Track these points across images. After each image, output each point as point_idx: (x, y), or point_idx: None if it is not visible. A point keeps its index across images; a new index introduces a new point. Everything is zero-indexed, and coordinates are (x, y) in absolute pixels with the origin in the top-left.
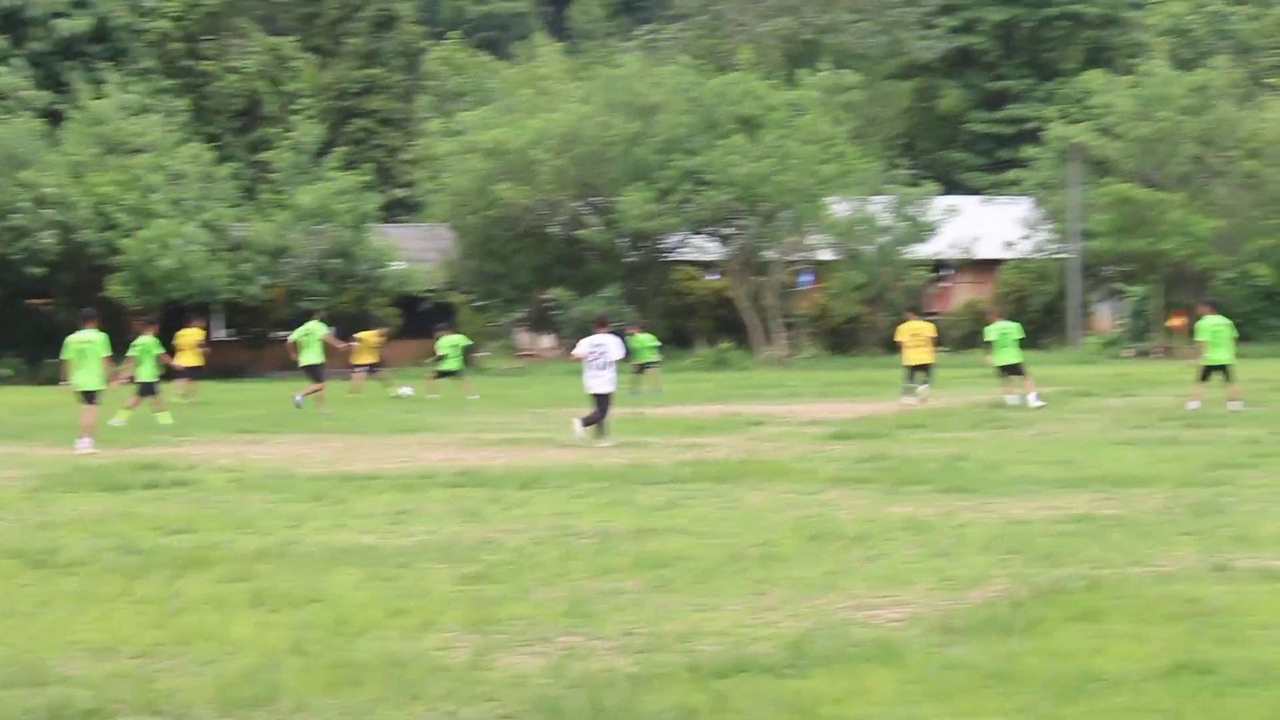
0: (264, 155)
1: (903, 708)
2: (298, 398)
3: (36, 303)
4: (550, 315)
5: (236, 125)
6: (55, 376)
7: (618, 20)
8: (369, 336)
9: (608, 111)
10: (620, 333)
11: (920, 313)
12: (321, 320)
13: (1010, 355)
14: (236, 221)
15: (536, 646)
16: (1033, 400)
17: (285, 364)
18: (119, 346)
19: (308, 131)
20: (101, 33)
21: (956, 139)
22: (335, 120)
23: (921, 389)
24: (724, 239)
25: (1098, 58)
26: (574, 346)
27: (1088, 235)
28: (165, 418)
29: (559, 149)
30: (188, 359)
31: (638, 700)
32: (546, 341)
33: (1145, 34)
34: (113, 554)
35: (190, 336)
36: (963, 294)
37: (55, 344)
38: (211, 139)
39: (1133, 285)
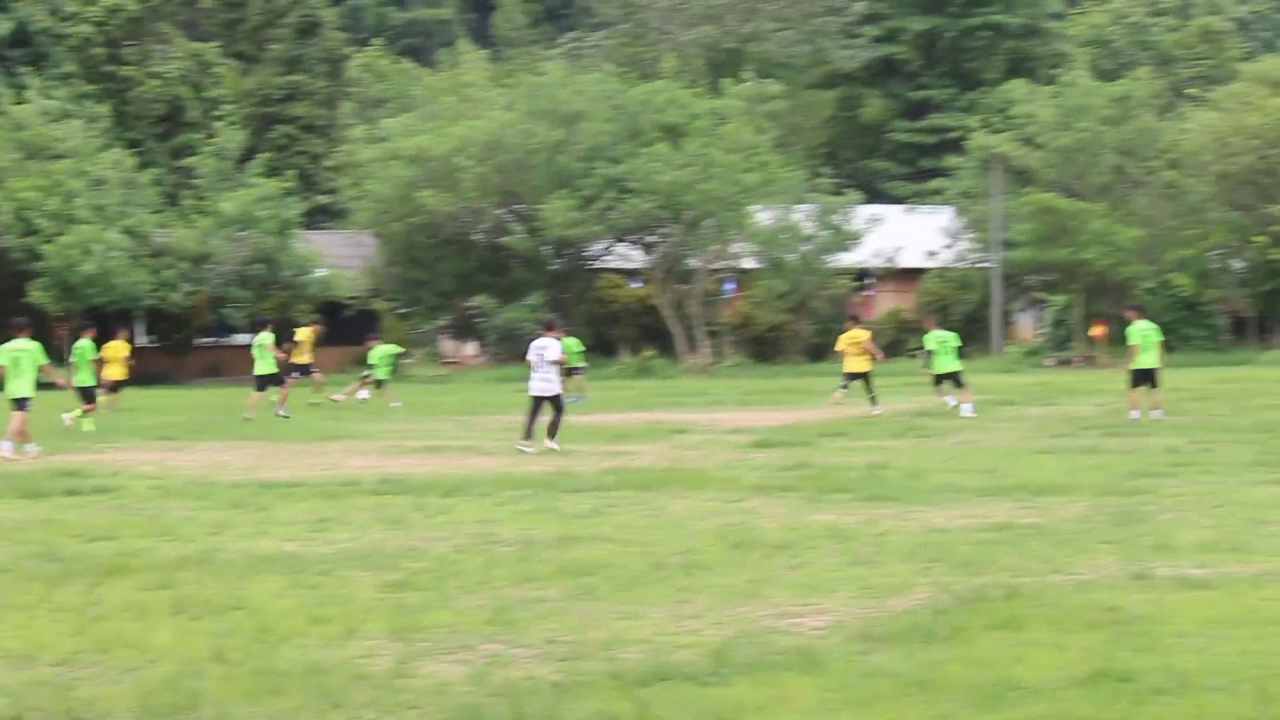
0: (186, 161)
1: (824, 715)
2: (280, 411)
3: None
4: (474, 322)
5: (159, 131)
6: None
7: (541, 28)
8: (306, 334)
9: (531, 119)
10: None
11: (860, 321)
12: (271, 330)
13: (950, 363)
14: (159, 228)
15: (459, 654)
16: (966, 410)
17: (207, 371)
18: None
19: (230, 138)
20: (22, 37)
21: (879, 148)
22: (258, 126)
23: (838, 393)
24: (648, 247)
25: (1019, 68)
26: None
27: (1009, 245)
28: (89, 423)
29: (482, 156)
30: (115, 372)
31: (560, 708)
32: (470, 349)
33: (1066, 45)
34: (33, 561)
35: (117, 349)
36: (886, 303)
37: None
38: (133, 145)
39: (1054, 295)
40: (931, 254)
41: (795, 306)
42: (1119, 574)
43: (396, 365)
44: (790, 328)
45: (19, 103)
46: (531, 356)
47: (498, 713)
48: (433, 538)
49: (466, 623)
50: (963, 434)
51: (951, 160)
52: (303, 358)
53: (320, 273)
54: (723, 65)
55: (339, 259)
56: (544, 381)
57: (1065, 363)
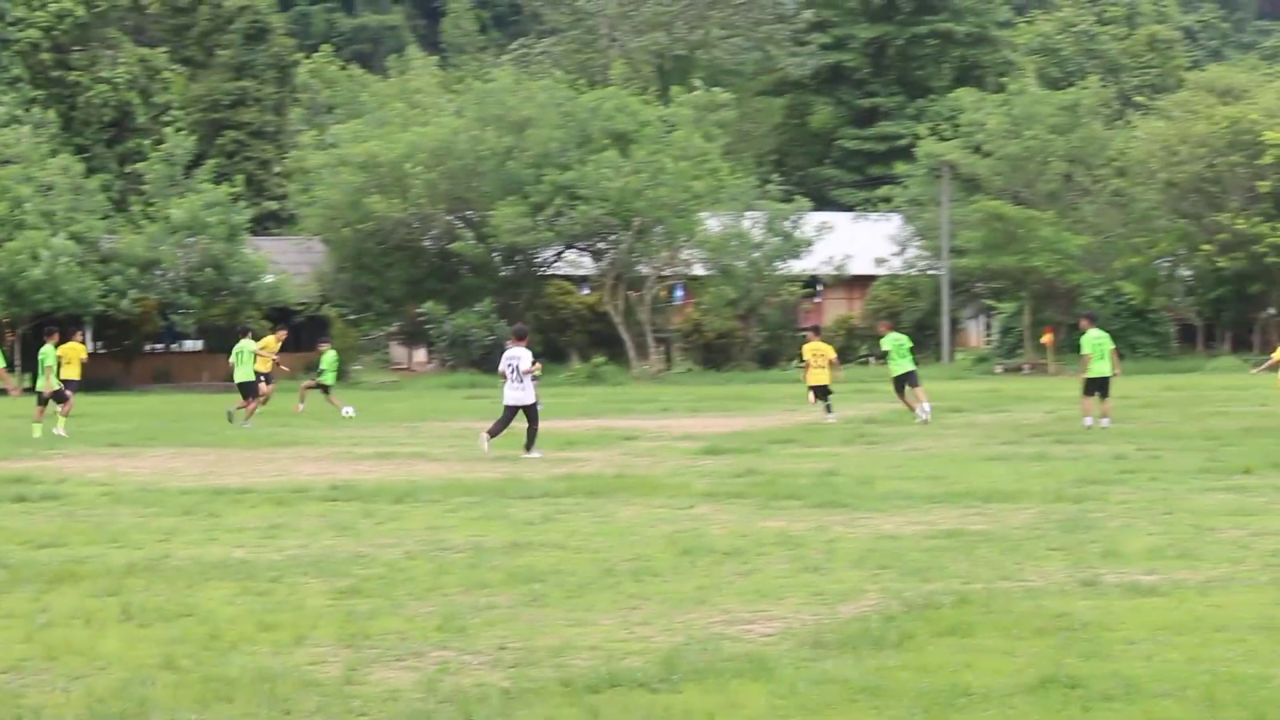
0: (135, 167)
1: None
2: (245, 424)
3: None
4: (424, 329)
5: (107, 137)
6: None
7: (489, 34)
8: (270, 342)
9: (480, 125)
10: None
11: (820, 332)
12: (253, 337)
13: (906, 365)
14: (107, 234)
15: (409, 661)
16: (921, 414)
17: (157, 377)
18: None
19: (179, 143)
20: None
21: (828, 155)
22: (206, 132)
23: (825, 413)
24: (597, 254)
25: (967, 76)
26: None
27: (958, 252)
28: (38, 430)
29: (431, 163)
30: (72, 372)
31: (510, 715)
32: (420, 355)
33: (1014, 53)
34: None
35: (75, 351)
36: (835, 310)
37: None
38: (81, 150)
39: (1003, 302)
40: (880, 261)
41: (745, 313)
42: (1068, 581)
43: (340, 371)
44: (740, 335)
45: None
46: (504, 367)
47: (448, 719)
48: (383, 544)
49: (416, 629)
50: (912, 441)
51: (900, 168)
52: (264, 365)
53: (268, 279)
54: (671, 72)
55: (288, 265)
56: (517, 391)
57: (1015, 370)
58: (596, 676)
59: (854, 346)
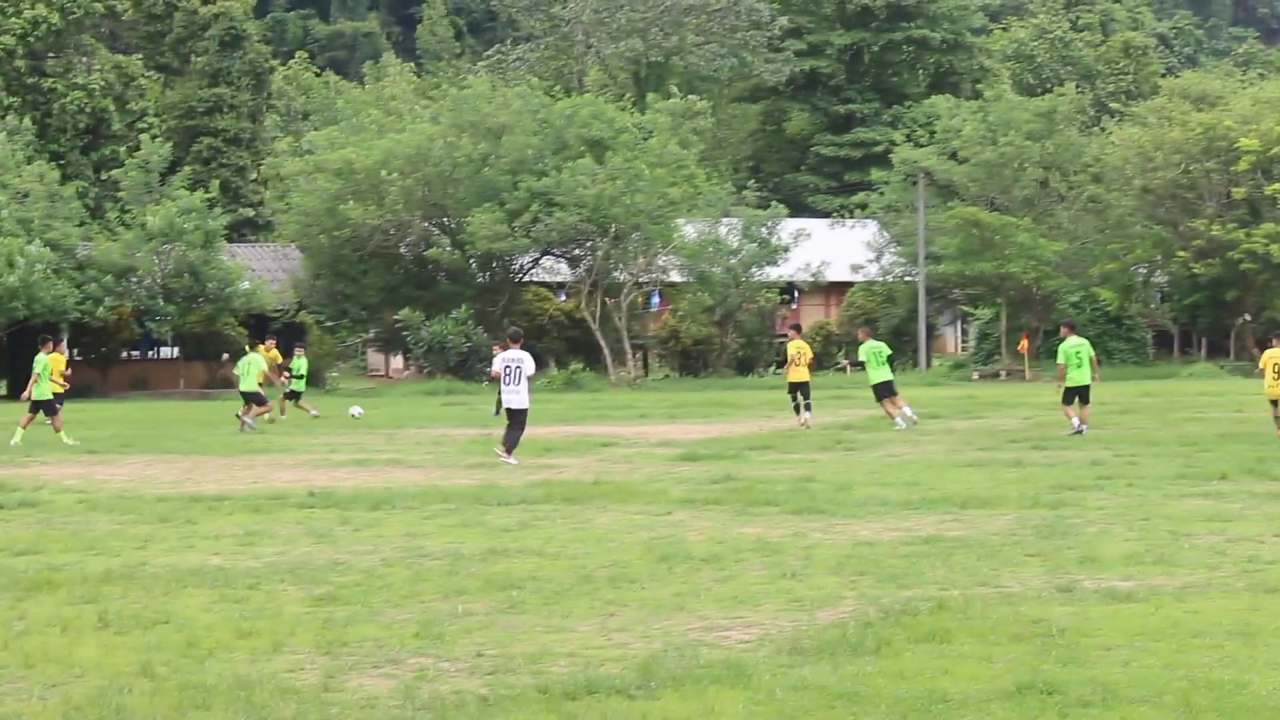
0: (111, 174)
1: None
2: (249, 422)
3: None
4: (401, 336)
5: (82, 143)
6: None
7: (465, 41)
8: (261, 352)
9: (456, 132)
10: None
11: (801, 331)
12: (257, 350)
13: (884, 374)
14: (83, 241)
15: (386, 668)
16: (901, 421)
17: (133, 384)
18: None
19: (154, 150)
20: None
21: (804, 162)
22: (182, 139)
23: (805, 414)
24: (574, 260)
25: (943, 82)
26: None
27: (934, 258)
28: (19, 436)
29: (407, 169)
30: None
31: None
32: (397, 362)
33: (990, 59)
34: None
35: (57, 362)
36: (811, 317)
37: None
38: (56, 157)
39: (979, 308)
40: (857, 268)
41: (722, 320)
42: (1045, 587)
43: (311, 376)
44: (717, 341)
45: None
46: (499, 367)
47: None
48: (360, 551)
49: (393, 637)
50: (888, 447)
51: (876, 174)
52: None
53: (244, 285)
54: (647, 79)
55: (264, 272)
56: (514, 394)
57: (992, 376)
58: (574, 683)
59: (831, 353)
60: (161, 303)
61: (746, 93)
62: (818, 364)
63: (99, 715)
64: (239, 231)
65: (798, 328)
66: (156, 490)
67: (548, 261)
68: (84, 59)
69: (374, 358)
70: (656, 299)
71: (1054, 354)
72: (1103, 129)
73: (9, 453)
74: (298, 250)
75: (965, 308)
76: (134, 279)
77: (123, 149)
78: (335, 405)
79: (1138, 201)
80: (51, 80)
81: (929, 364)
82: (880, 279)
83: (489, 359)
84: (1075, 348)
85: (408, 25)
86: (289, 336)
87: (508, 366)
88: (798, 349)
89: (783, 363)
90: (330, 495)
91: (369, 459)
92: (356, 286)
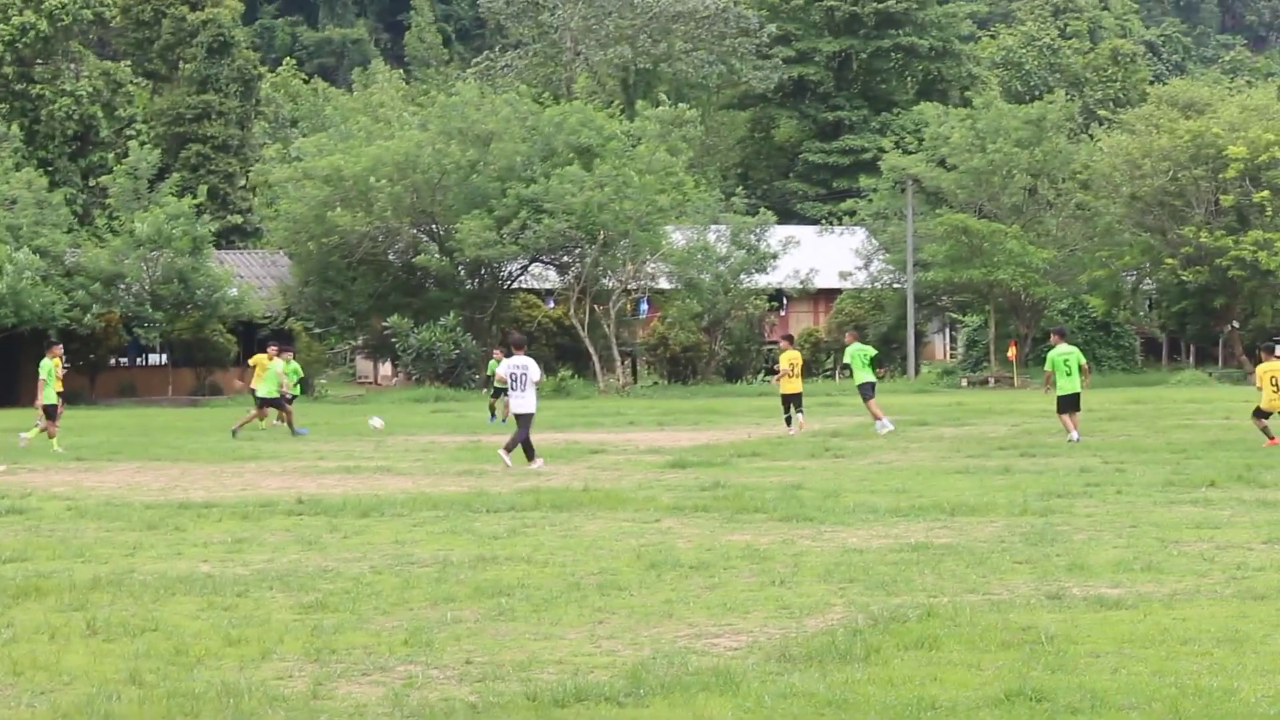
0: (99, 180)
1: None
2: (302, 429)
3: None
4: (390, 342)
5: (70, 150)
6: None
7: (454, 48)
8: (261, 359)
9: (444, 139)
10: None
11: (794, 341)
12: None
13: (867, 376)
14: (71, 247)
15: (375, 676)
16: (880, 426)
17: (121, 391)
18: None
19: (143, 157)
20: None
21: (793, 169)
22: (170, 146)
23: (799, 417)
24: (563, 267)
25: (931, 89)
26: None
27: (923, 265)
28: (55, 444)
29: (396, 176)
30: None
31: None
32: (386, 369)
33: (978, 67)
34: None
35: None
36: (800, 324)
37: None
38: (44, 164)
39: (968, 315)
40: (845, 275)
41: (710, 327)
42: (1033, 594)
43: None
44: (706, 348)
45: None
46: (504, 373)
47: None
48: (348, 559)
49: (382, 644)
50: (876, 454)
51: (865, 181)
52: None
53: (233, 292)
54: (636, 85)
55: (253, 279)
56: (520, 400)
57: (980, 383)
58: (563, 691)
59: (819, 360)
60: (150, 309)
61: (735, 100)
62: (805, 371)
63: None
64: (227, 238)
65: (790, 338)
66: (145, 497)
67: (536, 268)
68: (72, 65)
69: (362, 365)
70: (645, 306)
71: (1043, 361)
72: (1091, 136)
73: (55, 459)
74: (286, 257)
75: (954, 315)
76: (122, 286)
77: (111, 156)
78: (324, 413)
79: (1126, 209)
80: (39, 87)
81: (917, 371)
82: (869, 286)
83: (477, 366)
84: (1064, 355)
85: (396, 32)
86: (282, 344)
87: (513, 374)
88: (790, 361)
89: (772, 370)
90: (319, 502)
91: (357, 466)
92: (345, 293)
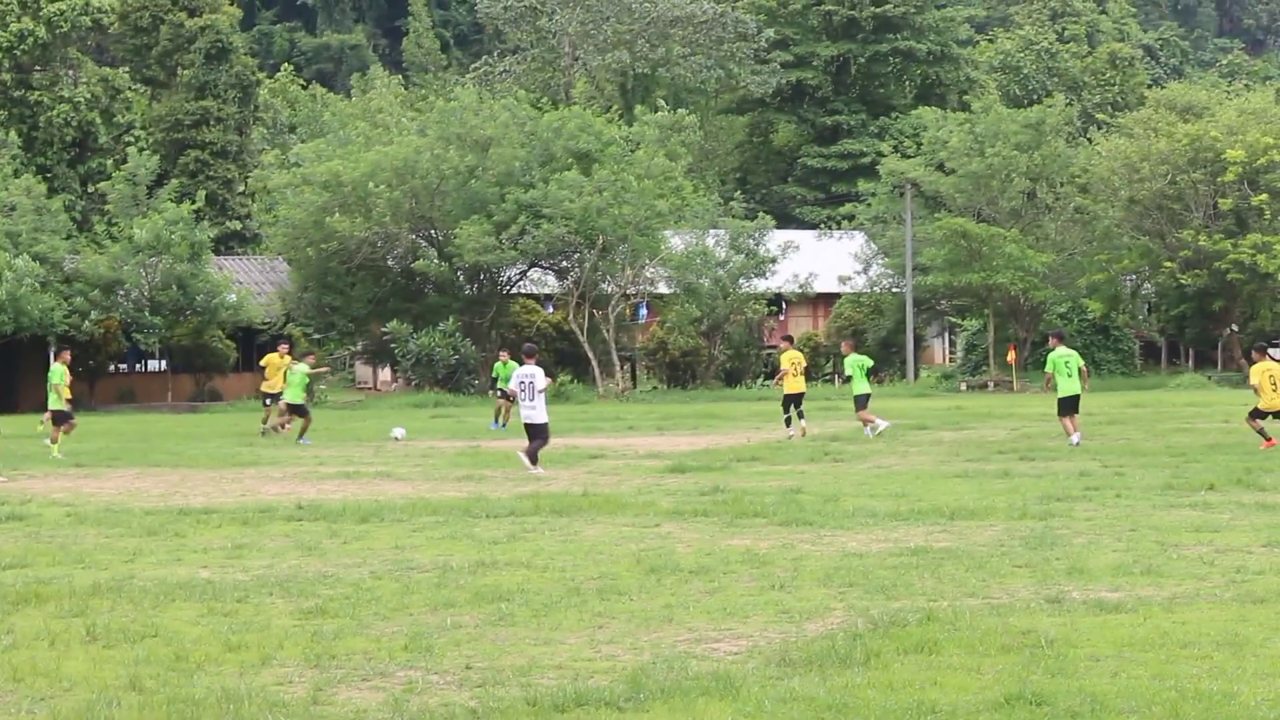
0: (98, 187)
1: None
2: (304, 440)
3: None
4: (389, 348)
5: (69, 157)
6: None
7: (452, 53)
8: (274, 359)
9: (443, 145)
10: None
11: (794, 342)
12: (308, 363)
13: (864, 387)
14: (70, 254)
15: (375, 681)
16: (878, 426)
17: (121, 397)
18: None
19: (141, 163)
20: None
21: (791, 173)
22: (169, 152)
23: (801, 423)
24: (561, 272)
25: (929, 93)
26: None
27: (921, 269)
28: (55, 448)
29: (394, 182)
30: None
31: None
32: (385, 374)
33: (976, 71)
34: None
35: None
36: (799, 328)
37: None
38: (43, 170)
39: (967, 319)
40: (844, 279)
41: (709, 331)
42: (1033, 598)
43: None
44: (705, 353)
45: None
46: (515, 385)
47: None
48: (348, 564)
49: (382, 649)
50: (876, 459)
51: (863, 185)
52: (275, 385)
53: (231, 298)
54: (634, 90)
55: (252, 285)
56: (531, 410)
57: (980, 387)
58: (563, 696)
59: (819, 364)
60: (149, 315)
61: (733, 104)
62: (806, 376)
63: None
64: (226, 244)
65: (790, 339)
66: (144, 503)
67: (535, 273)
68: (70, 72)
69: (362, 370)
70: (644, 311)
71: (1043, 365)
72: (1089, 140)
73: (54, 464)
74: (285, 263)
75: (953, 319)
76: (121, 292)
77: (109, 162)
78: (324, 419)
79: (1125, 212)
80: (38, 93)
81: (916, 375)
82: (868, 290)
83: (477, 371)
84: (1064, 357)
85: (394, 38)
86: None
87: (522, 383)
88: (791, 360)
89: (771, 374)
90: (318, 508)
91: (357, 472)
92: (344, 299)
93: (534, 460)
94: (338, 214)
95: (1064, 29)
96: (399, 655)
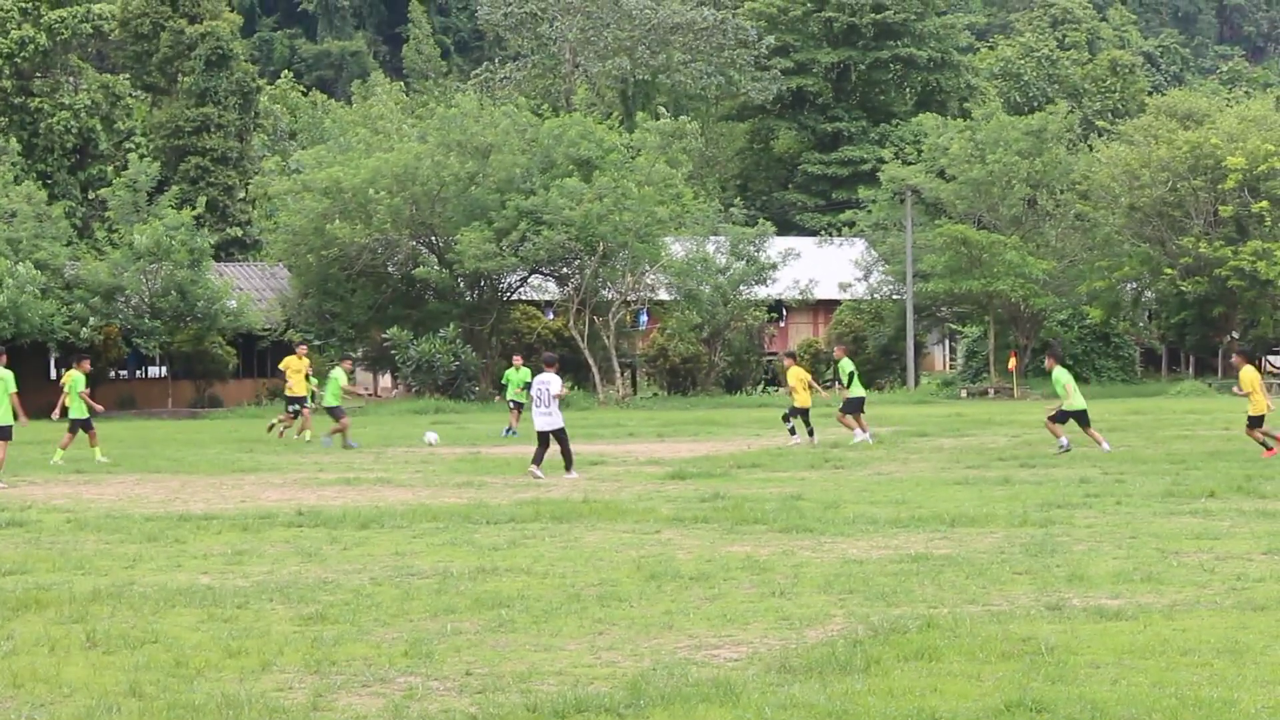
0: (98, 193)
1: None
2: (353, 443)
3: None
4: (389, 354)
5: (69, 163)
6: None
7: (452, 60)
8: (293, 362)
9: (443, 151)
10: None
11: (797, 358)
12: (344, 368)
13: (858, 391)
14: (71, 260)
15: (375, 687)
16: (868, 435)
17: (121, 403)
18: None
19: (142, 169)
20: None
21: (791, 180)
22: (169, 158)
23: (808, 434)
24: (562, 279)
25: (930, 100)
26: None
27: (922, 276)
28: (99, 454)
29: (395, 188)
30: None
31: None
32: (385, 381)
33: (976, 78)
34: None
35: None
36: (800, 335)
37: None
38: (44, 177)
39: (967, 326)
40: (845, 286)
41: (710, 338)
42: (1033, 605)
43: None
44: (705, 359)
45: None
46: (534, 392)
47: None
48: (348, 570)
49: (382, 655)
50: (876, 465)
51: (864, 192)
52: (300, 389)
53: (232, 304)
54: (635, 97)
55: (252, 291)
56: (545, 416)
57: (980, 393)
58: (563, 702)
59: (820, 371)
60: (149, 322)
61: (734, 111)
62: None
63: None
64: (226, 250)
65: (793, 355)
66: (144, 509)
67: (535, 280)
68: (71, 79)
69: (362, 376)
70: (644, 317)
71: (1042, 372)
72: (1090, 147)
73: (101, 470)
74: (285, 269)
75: (953, 326)
76: (121, 298)
77: (110, 168)
78: (324, 424)
79: (1125, 219)
80: (38, 100)
81: (917, 382)
82: (868, 297)
83: (477, 378)
84: (1069, 376)
85: (394, 44)
86: (277, 356)
87: (537, 390)
88: (797, 377)
89: (772, 380)
90: (319, 514)
91: (357, 478)
92: (344, 305)
93: (569, 467)
94: (338, 220)
95: (1064, 36)
96: (399, 661)
